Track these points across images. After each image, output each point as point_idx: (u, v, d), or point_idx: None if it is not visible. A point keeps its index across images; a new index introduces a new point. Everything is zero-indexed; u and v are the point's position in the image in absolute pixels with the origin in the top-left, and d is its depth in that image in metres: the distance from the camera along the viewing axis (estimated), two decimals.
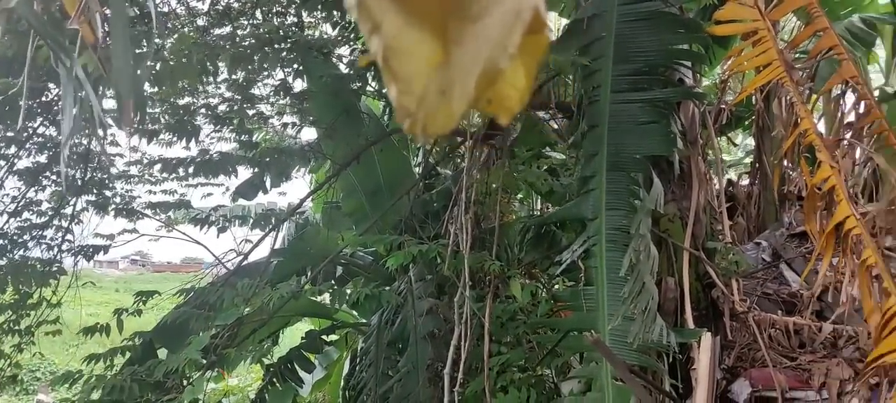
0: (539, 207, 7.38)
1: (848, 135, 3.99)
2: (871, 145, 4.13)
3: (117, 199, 6.21)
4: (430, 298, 5.32)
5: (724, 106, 5.68)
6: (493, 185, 5.22)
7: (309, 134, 6.84)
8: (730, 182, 7.65)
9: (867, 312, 3.26)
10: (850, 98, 4.04)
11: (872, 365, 3.14)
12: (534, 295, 4.48)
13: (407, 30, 0.70)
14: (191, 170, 5.34)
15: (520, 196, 7.02)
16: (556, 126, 5.62)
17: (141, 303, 5.00)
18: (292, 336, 7.51)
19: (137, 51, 4.22)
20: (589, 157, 4.21)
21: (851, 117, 3.99)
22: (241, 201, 6.61)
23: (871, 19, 7.57)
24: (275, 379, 5.73)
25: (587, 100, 4.28)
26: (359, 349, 6.19)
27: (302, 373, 5.91)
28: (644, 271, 3.71)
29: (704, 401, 3.37)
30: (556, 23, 7.05)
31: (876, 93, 8.09)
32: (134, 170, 6.31)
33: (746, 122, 7.71)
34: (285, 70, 5.12)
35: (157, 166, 5.67)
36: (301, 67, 5.05)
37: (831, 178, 3.40)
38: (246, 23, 5.10)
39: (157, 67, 4.56)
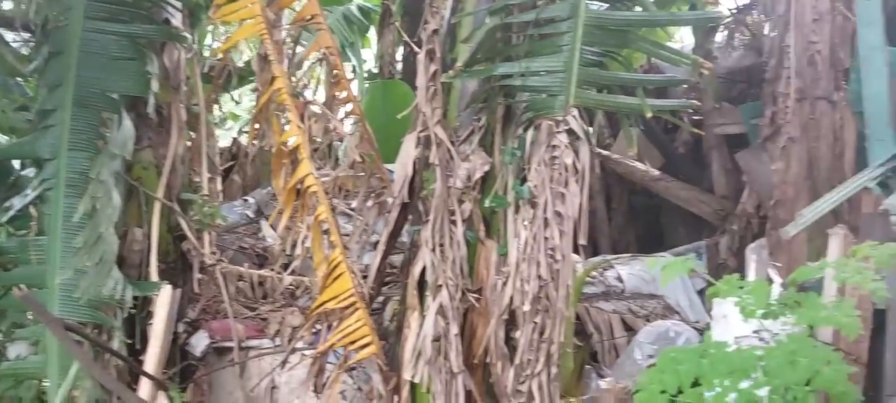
0: None
1: (321, 101, 4.29)
2: (345, 114, 4.57)
3: None
4: None
5: (221, 59, 5.59)
6: None
7: None
8: (234, 140, 7.72)
9: (317, 263, 3.57)
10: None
11: (316, 311, 3.45)
12: None
13: None
14: None
15: None
16: (26, 52, 4.78)
17: None
18: None
19: None
20: (52, 88, 3.70)
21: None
22: None
23: (367, 8, 8.49)
24: None
25: (54, 22, 3.73)
26: None
27: None
28: (102, 220, 3.40)
29: (157, 356, 3.25)
30: None
31: (366, 73, 9.13)
32: None
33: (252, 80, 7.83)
34: None
35: None
36: None
37: (297, 138, 3.61)
38: None
39: None
